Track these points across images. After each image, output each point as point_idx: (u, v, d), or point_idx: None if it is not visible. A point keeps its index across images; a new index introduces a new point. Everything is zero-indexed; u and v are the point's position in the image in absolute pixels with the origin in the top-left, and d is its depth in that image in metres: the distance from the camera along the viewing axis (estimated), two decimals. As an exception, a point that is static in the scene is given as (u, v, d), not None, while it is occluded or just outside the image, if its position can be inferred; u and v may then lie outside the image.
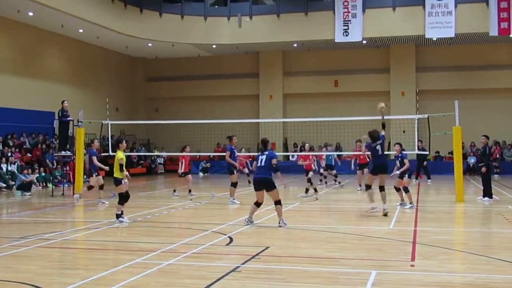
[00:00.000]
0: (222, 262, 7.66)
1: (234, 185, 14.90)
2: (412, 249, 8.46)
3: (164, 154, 30.82)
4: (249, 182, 19.01)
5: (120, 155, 11.28)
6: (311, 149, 23.78)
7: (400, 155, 13.94)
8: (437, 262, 7.59)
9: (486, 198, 15.35)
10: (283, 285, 6.45)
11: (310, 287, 6.42)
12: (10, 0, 21.92)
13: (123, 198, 11.32)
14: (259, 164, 10.67)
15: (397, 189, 13.79)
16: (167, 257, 7.85)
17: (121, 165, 11.18)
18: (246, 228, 10.60)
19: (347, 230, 10.58)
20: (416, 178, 21.79)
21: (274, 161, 10.57)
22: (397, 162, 14.00)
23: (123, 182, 11.28)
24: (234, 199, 14.92)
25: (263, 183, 10.54)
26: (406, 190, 13.77)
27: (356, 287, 6.38)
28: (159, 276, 6.95)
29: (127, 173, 11.45)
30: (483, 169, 15.26)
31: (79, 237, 10.08)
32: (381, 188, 12.42)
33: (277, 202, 10.61)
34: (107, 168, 15.48)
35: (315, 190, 17.10)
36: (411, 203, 13.80)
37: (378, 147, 12.48)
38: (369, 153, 13.81)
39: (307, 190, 17.00)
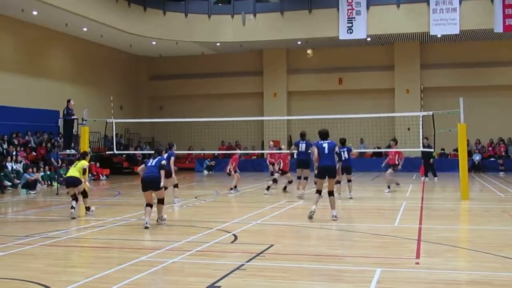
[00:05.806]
0: (227, 260, 7.66)
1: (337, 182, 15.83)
2: (417, 246, 8.43)
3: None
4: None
5: (85, 162, 13.02)
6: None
7: None
8: (442, 259, 7.56)
9: None
10: (288, 282, 6.45)
11: (314, 285, 6.42)
12: (14, -1, 21.99)
13: (86, 194, 12.92)
14: (149, 164, 10.89)
15: None
16: (172, 255, 7.86)
17: (84, 169, 12.90)
18: (251, 226, 10.61)
19: (351, 227, 10.56)
20: (426, 175, 21.75)
21: (163, 162, 10.87)
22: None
23: (83, 182, 12.75)
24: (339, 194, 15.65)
25: (153, 182, 10.62)
26: None
27: (360, 284, 6.36)
28: (163, 274, 6.97)
29: (88, 182, 13.52)
30: None
31: (84, 235, 10.10)
32: None
33: (160, 201, 10.87)
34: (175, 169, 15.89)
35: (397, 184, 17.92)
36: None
37: None
38: None
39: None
